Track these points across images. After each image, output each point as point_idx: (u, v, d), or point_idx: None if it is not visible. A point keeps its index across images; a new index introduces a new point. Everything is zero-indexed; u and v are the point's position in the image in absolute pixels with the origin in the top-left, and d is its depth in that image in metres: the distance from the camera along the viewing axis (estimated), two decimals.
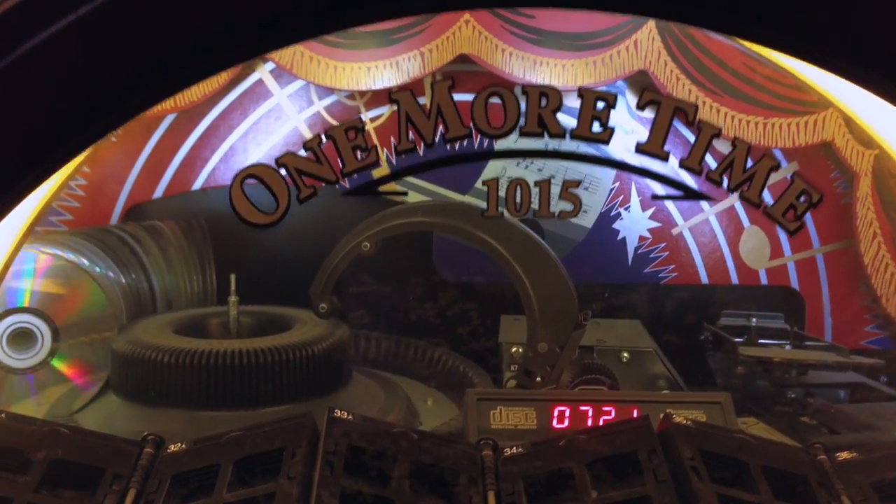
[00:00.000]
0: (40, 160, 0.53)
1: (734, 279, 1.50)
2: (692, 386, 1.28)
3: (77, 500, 0.79)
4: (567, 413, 0.95)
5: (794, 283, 1.55)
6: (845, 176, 1.49)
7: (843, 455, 0.85)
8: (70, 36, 0.52)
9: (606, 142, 0.74)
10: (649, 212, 1.53)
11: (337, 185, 0.75)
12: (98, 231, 1.30)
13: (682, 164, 0.76)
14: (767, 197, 0.78)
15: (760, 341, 1.32)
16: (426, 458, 0.83)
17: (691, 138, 0.84)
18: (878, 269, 1.44)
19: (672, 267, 1.44)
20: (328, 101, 1.58)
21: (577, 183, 0.78)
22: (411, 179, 1.26)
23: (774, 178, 0.85)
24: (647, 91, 0.73)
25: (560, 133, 0.73)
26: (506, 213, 0.82)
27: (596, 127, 0.74)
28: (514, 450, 0.85)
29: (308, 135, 1.61)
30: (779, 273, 1.56)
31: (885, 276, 1.43)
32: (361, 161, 0.64)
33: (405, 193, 0.96)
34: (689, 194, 0.84)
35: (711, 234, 1.45)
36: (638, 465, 0.81)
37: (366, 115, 1.57)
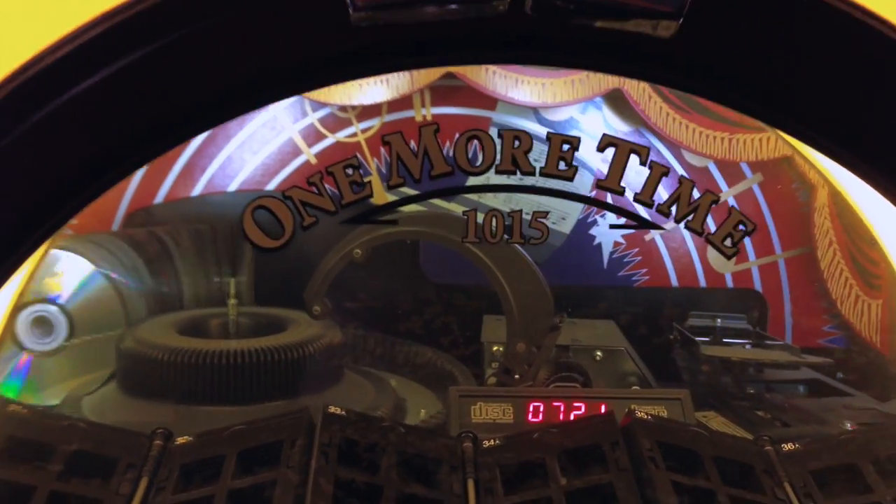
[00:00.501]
0: (90, 183, 0.60)
1: (702, 282, 1.57)
2: (661, 381, 1.36)
3: (95, 488, 0.87)
4: (541, 408, 1.04)
5: (758, 286, 1.64)
6: (805, 187, 1.59)
7: (788, 446, 0.94)
8: (111, 86, 0.59)
9: (571, 179, 0.83)
10: (624, 219, 1.59)
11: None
12: (134, 231, 1.38)
13: (636, 198, 0.85)
14: (711, 224, 0.88)
15: (724, 340, 1.40)
16: (412, 449, 0.92)
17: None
18: (834, 275, 1.53)
19: (644, 271, 1.52)
20: (321, 113, 1.66)
21: (545, 214, 0.87)
22: (402, 189, 1.33)
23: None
24: (605, 135, 0.82)
25: (531, 171, 0.82)
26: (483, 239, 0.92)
27: (562, 165, 0.83)
28: (492, 442, 0.94)
29: (302, 145, 1.68)
30: (744, 277, 1.65)
31: (840, 280, 1.52)
32: (357, 194, 0.72)
33: (395, 222, 1.03)
34: (641, 223, 0.93)
35: (681, 240, 1.53)
36: (603, 456, 0.90)
37: (357, 127, 1.65)
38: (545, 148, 0.87)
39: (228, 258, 1.26)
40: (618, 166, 0.80)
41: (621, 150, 0.80)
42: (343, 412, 0.96)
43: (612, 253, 1.52)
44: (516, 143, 0.80)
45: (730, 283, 1.59)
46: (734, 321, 1.45)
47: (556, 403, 1.06)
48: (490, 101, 1.64)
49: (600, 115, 1.65)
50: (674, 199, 0.83)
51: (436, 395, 1.27)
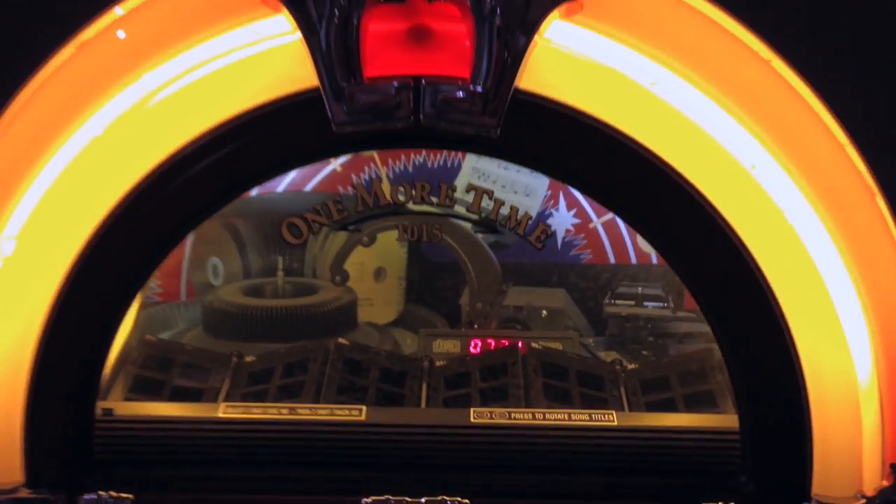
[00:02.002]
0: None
1: (633, 259, 1.93)
2: (598, 334, 1.85)
3: (198, 383, 1.41)
4: (479, 344, 1.57)
5: None
6: None
7: (630, 365, 1.45)
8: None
9: None
10: (573, 211, 2.03)
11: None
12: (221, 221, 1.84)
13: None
14: None
15: (645, 303, 1.89)
16: (390, 365, 1.45)
17: None
18: None
19: (589, 251, 1.96)
20: None
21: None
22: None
23: None
24: None
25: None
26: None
27: None
28: (441, 363, 1.47)
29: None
30: None
31: None
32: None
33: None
34: None
35: (617, 227, 1.98)
36: (506, 370, 1.41)
37: None
38: None
39: (277, 243, 1.80)
40: None
41: None
42: (348, 342, 1.49)
43: (563, 237, 1.95)
44: None
45: (654, 260, 2.04)
46: (651, 289, 1.92)
47: (489, 341, 1.59)
48: None
49: None
50: None
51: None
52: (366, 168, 1.85)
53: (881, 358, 1.14)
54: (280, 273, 1.75)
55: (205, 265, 1.79)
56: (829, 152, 1.13)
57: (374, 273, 1.78)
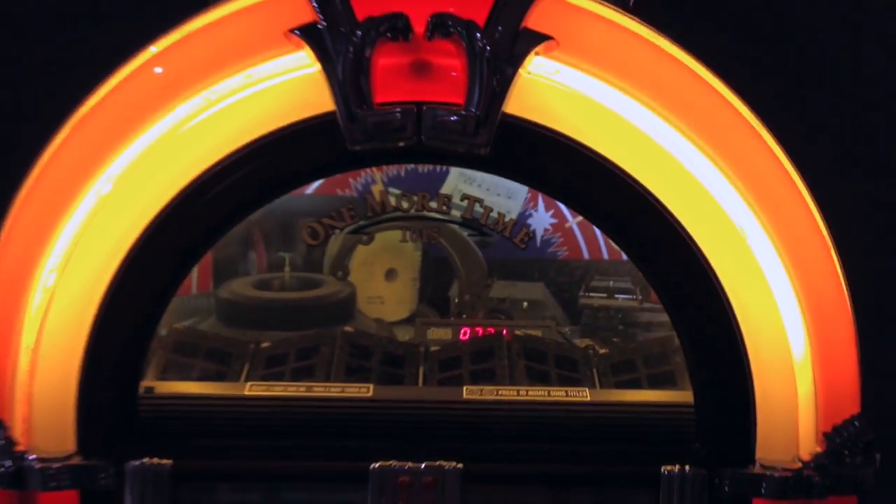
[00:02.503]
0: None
1: (605, 256, 1.96)
2: (573, 323, 2.02)
3: (220, 365, 1.59)
4: (468, 331, 1.76)
5: None
6: None
7: (602, 350, 1.65)
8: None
9: None
10: (551, 212, 2.15)
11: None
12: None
13: None
14: None
15: (616, 296, 2.06)
16: (391, 349, 1.63)
17: None
18: None
19: (565, 248, 2.09)
20: None
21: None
22: (392, 189, 1.94)
23: None
24: None
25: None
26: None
27: None
28: (435, 348, 1.65)
29: None
30: None
31: None
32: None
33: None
34: None
35: (591, 226, 2.05)
36: (493, 353, 1.60)
37: None
38: None
39: (286, 241, 1.97)
40: None
41: None
42: (352, 329, 1.68)
43: (542, 236, 2.10)
44: None
45: (625, 256, 2.20)
46: (621, 282, 2.09)
47: (477, 329, 1.78)
48: None
49: None
50: None
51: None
52: (362, 173, 2.02)
53: (812, 338, 1.33)
54: (287, 269, 1.92)
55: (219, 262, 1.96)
56: (766, 163, 1.33)
57: (385, 273, 1.94)
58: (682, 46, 1.31)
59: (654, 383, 1.54)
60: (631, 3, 1.45)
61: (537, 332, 1.77)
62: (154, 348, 1.53)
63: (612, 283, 2.09)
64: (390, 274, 1.91)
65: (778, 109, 1.37)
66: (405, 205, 1.39)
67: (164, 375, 1.49)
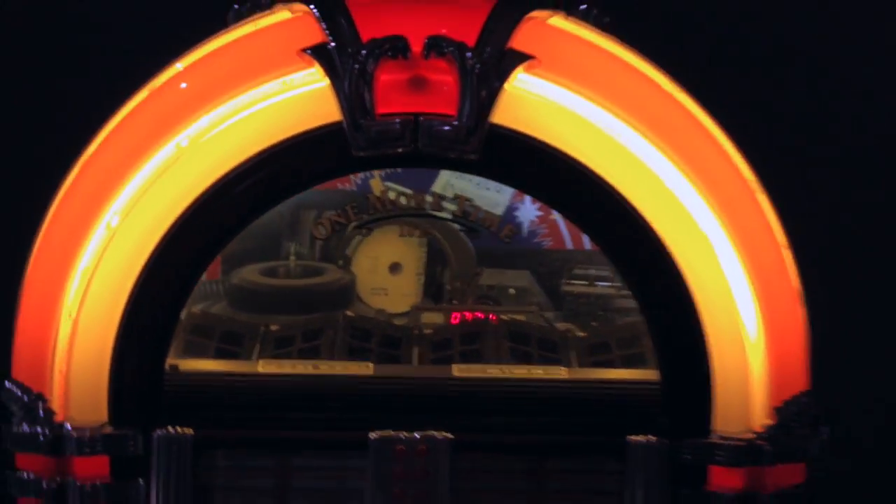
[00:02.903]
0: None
1: (587, 246, 2.09)
2: (556, 308, 2.17)
3: (234, 347, 1.74)
4: (459, 316, 1.91)
5: None
6: None
7: (581, 333, 1.81)
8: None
9: None
10: (537, 205, 2.20)
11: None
12: None
13: None
14: None
15: (596, 283, 2.21)
16: (390, 332, 1.79)
17: None
18: None
19: (550, 239, 2.08)
20: None
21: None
22: (388, 182, 1.87)
23: None
24: None
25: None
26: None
27: None
28: (429, 331, 1.77)
29: None
30: None
31: None
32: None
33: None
34: None
35: None
36: (479, 337, 1.77)
37: None
38: None
39: (293, 232, 2.12)
40: None
41: None
42: (352, 313, 1.84)
43: (528, 227, 1.95)
44: None
45: None
46: (601, 271, 2.22)
47: (467, 314, 1.94)
48: None
49: None
50: None
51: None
52: None
53: (764, 323, 1.49)
54: (292, 257, 2.08)
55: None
56: (724, 166, 1.49)
57: (389, 266, 2.06)
58: (648, 60, 1.46)
59: (627, 363, 1.68)
60: (606, 23, 1.60)
61: (522, 317, 1.93)
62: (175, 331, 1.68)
63: (592, 271, 2.21)
64: (394, 268, 2.06)
65: (737, 111, 1.52)
66: (403, 201, 1.56)
67: (183, 355, 1.64)
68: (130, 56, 1.53)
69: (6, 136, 2.14)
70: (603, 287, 2.13)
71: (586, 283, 2.20)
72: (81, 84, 2.15)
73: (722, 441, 1.37)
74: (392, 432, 1.41)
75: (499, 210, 2.05)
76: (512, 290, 2.17)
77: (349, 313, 1.79)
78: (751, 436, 1.37)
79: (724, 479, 1.36)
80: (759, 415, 1.39)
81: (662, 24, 2.20)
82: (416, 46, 1.30)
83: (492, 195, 2.22)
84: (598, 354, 1.73)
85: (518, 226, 2.05)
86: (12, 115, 2.10)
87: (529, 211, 2.34)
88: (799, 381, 1.41)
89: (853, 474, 2.23)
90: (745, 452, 1.36)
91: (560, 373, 1.48)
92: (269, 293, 2.02)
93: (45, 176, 1.40)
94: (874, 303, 2.23)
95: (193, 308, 1.78)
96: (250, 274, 2.09)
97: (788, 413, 1.38)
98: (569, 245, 2.35)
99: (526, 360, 1.60)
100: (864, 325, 2.21)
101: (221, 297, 2.09)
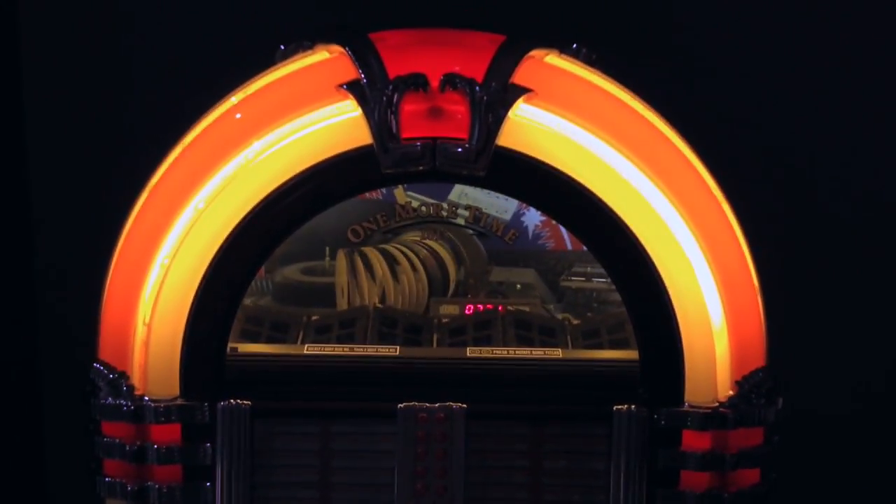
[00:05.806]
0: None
1: (585, 248, 2.25)
2: (555, 301, 2.40)
3: (280, 335, 2.00)
4: (472, 308, 2.14)
5: None
6: None
7: (576, 321, 2.07)
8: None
9: None
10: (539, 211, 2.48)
11: None
12: None
13: None
14: None
15: (592, 279, 2.46)
16: (410, 320, 2.05)
17: None
18: None
19: (552, 240, 2.09)
20: None
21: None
22: (410, 193, 2.02)
23: None
24: None
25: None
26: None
27: None
28: (445, 321, 1.96)
29: None
30: None
31: None
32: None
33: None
34: None
35: None
36: (490, 324, 2.02)
37: None
38: None
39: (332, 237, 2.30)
40: None
41: None
42: (382, 305, 2.09)
43: (533, 230, 2.10)
44: None
45: None
46: (597, 268, 2.32)
47: (479, 306, 2.20)
48: None
49: None
50: None
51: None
52: None
53: (726, 309, 1.72)
54: (327, 258, 2.36)
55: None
56: (691, 178, 1.68)
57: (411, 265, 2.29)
58: (628, 90, 1.73)
59: (614, 346, 1.72)
60: (593, 58, 1.88)
61: (526, 308, 2.19)
62: None
63: (589, 269, 2.38)
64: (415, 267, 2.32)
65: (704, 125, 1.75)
66: (423, 210, 1.85)
67: (239, 339, 1.90)
68: (199, 87, 1.80)
69: (99, 147, 2.45)
70: (597, 282, 2.39)
71: (583, 279, 2.44)
72: (157, 106, 2.47)
73: (692, 409, 1.53)
74: (416, 403, 1.57)
75: (507, 216, 2.25)
76: (518, 285, 2.39)
77: (378, 305, 2.06)
78: (716, 405, 1.53)
79: (694, 440, 1.53)
80: (723, 387, 1.55)
81: (641, 57, 2.48)
82: (434, 82, 1.45)
83: (500, 203, 2.48)
84: (590, 339, 1.90)
85: (524, 230, 2.26)
86: (110, 131, 2.38)
87: (534, 216, 2.58)
88: (757, 359, 1.56)
89: (807, 436, 2.51)
90: (712, 418, 1.52)
91: (557, 353, 1.68)
92: (309, 289, 2.30)
93: (126, 184, 1.65)
94: (824, 292, 2.50)
95: (246, 301, 2.07)
96: (292, 272, 2.37)
97: (747, 385, 1.54)
98: (568, 246, 2.60)
99: (529, 343, 1.77)
100: (816, 311, 2.48)
101: (266, 293, 2.38)
